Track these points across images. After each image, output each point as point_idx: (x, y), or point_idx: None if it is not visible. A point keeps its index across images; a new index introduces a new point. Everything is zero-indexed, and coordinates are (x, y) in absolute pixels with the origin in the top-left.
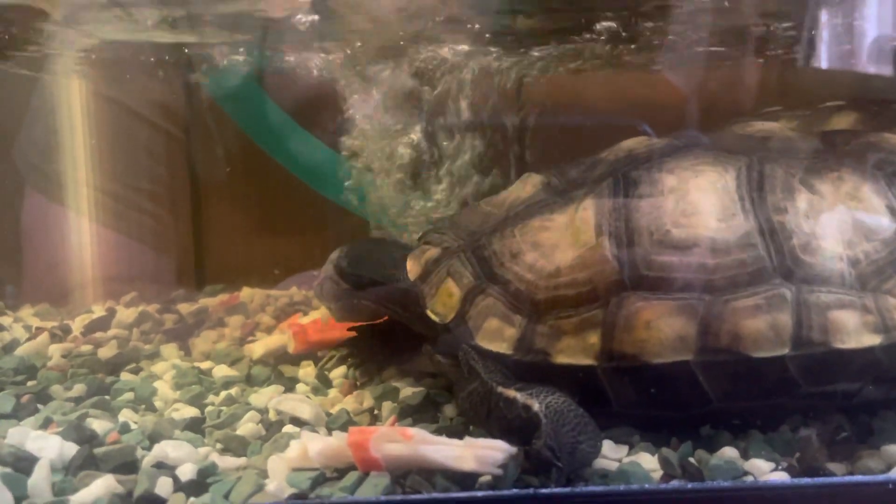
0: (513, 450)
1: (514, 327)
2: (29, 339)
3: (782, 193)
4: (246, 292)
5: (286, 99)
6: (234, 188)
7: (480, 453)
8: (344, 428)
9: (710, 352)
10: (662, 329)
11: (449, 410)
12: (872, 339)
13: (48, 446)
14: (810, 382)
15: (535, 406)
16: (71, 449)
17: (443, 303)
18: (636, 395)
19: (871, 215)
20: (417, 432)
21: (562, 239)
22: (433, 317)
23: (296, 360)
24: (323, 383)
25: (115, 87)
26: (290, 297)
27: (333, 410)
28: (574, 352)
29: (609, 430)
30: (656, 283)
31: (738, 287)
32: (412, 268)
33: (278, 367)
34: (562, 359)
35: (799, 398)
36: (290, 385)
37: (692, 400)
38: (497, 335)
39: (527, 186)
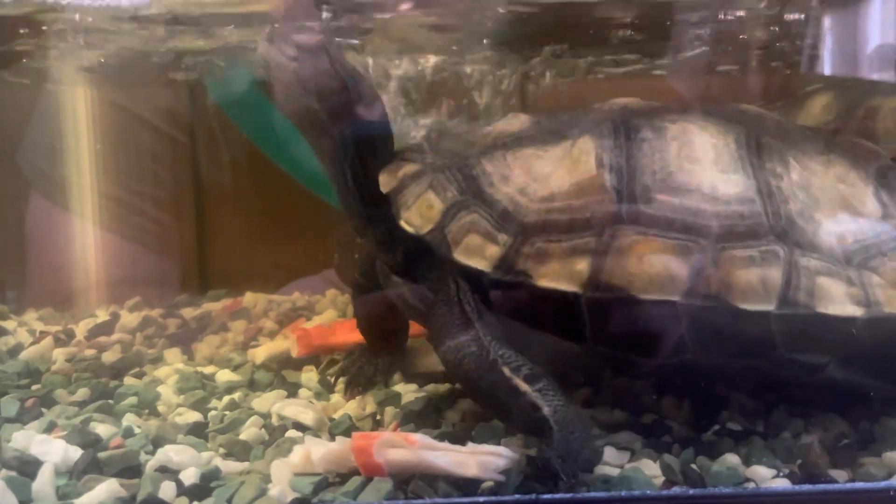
0: (515, 456)
1: (497, 245)
2: (33, 344)
3: (778, 163)
4: (249, 297)
5: None
6: (238, 194)
7: (483, 459)
8: (346, 433)
9: (699, 296)
10: (654, 265)
11: (451, 416)
12: (855, 311)
13: (52, 450)
14: (787, 346)
15: (545, 410)
16: (75, 453)
17: (420, 213)
18: (614, 333)
19: (858, 198)
20: (421, 438)
21: (558, 167)
22: (407, 227)
23: (298, 365)
24: (325, 388)
25: (119, 92)
26: (293, 302)
27: (336, 415)
28: (559, 276)
29: (611, 437)
30: (654, 220)
31: (734, 238)
32: (386, 180)
33: (281, 372)
34: (545, 282)
35: (772, 363)
36: (292, 390)
37: (669, 347)
38: (477, 251)
39: (514, 122)
